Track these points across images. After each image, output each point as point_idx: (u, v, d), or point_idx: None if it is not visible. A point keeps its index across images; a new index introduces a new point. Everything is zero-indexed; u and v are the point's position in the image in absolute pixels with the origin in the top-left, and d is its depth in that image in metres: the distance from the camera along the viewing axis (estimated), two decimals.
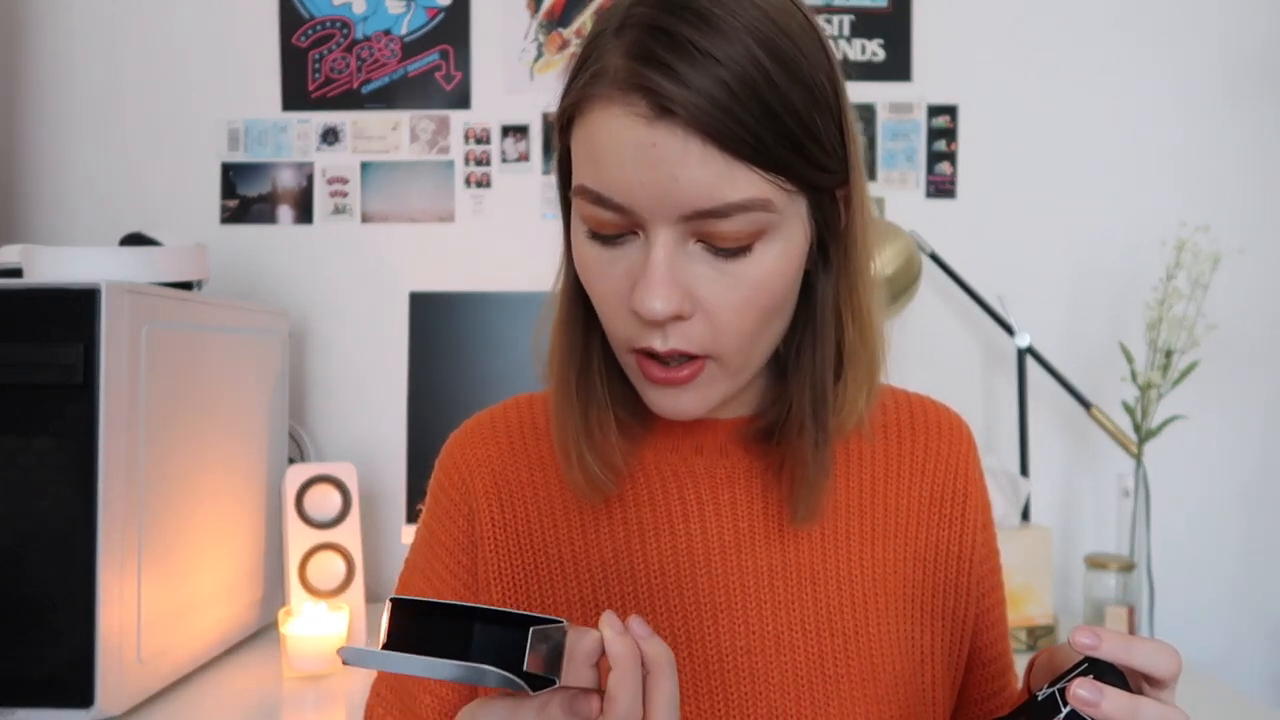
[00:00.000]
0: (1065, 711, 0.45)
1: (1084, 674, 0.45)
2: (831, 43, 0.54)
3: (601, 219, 0.51)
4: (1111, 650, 0.45)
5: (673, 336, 0.52)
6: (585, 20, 1.63)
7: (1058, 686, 0.46)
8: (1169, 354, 1.41)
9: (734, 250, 0.50)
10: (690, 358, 0.53)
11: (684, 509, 0.61)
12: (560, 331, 0.60)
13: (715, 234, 0.49)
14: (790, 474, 0.59)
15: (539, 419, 0.66)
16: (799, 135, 0.49)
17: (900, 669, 0.59)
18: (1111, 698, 0.43)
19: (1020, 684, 0.61)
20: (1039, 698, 0.47)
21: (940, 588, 0.62)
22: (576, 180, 0.52)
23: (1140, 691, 0.46)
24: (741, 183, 0.48)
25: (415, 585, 0.66)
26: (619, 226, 0.51)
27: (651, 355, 0.53)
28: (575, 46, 1.63)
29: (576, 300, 0.59)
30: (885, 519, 0.62)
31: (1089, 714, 0.44)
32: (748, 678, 0.58)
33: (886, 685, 0.58)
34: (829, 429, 0.58)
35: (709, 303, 0.51)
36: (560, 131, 0.54)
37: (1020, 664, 0.72)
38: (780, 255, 0.51)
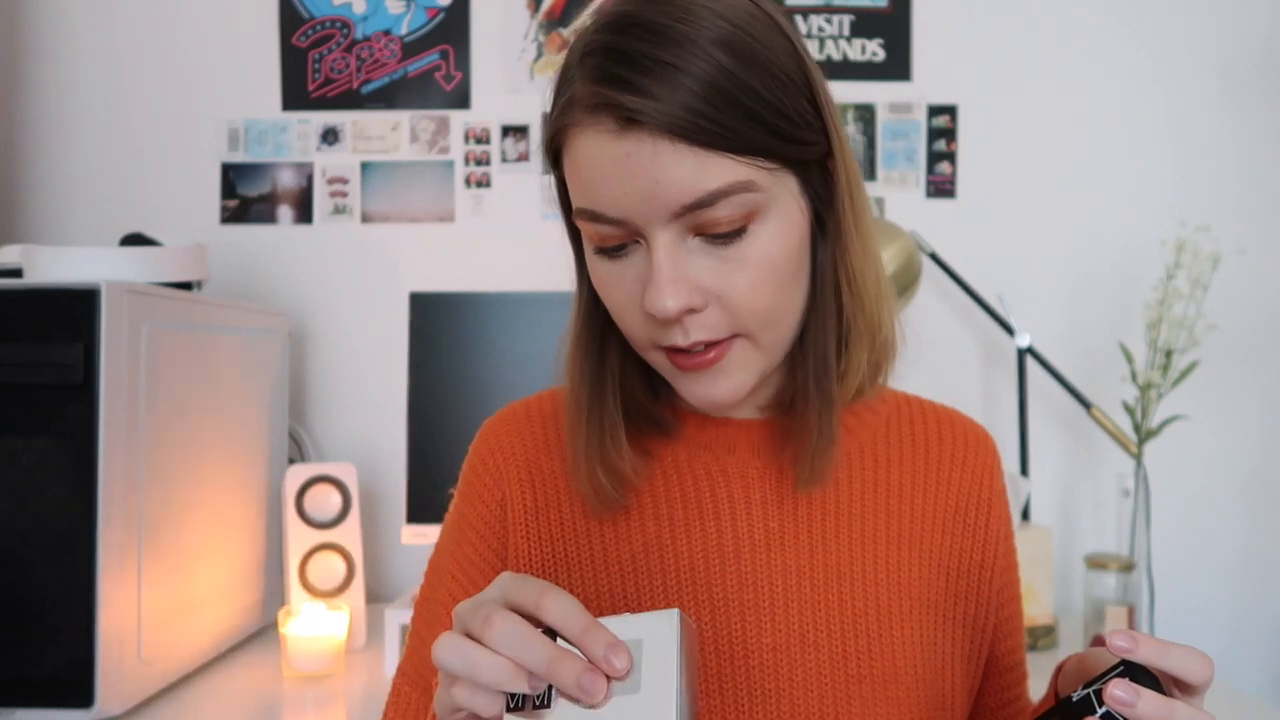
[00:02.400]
0: (1101, 712, 0.45)
1: (1119, 676, 0.46)
2: (789, 23, 0.56)
3: (603, 234, 0.54)
4: (1147, 654, 0.45)
5: (693, 329, 0.54)
6: (585, 21, 1.63)
7: (1093, 688, 0.47)
8: (1169, 354, 1.40)
9: (729, 235, 0.52)
10: (715, 341, 0.55)
11: (715, 506, 0.62)
12: (574, 350, 0.62)
13: (708, 224, 0.51)
14: (795, 440, 0.61)
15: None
16: (765, 115, 0.51)
17: (921, 672, 0.60)
18: (1147, 699, 0.44)
19: (1048, 688, 0.61)
20: (1074, 699, 0.48)
21: (962, 595, 0.63)
22: (574, 204, 0.55)
23: (1170, 696, 0.46)
24: (718, 171, 0.50)
25: (444, 568, 0.67)
26: (620, 238, 0.54)
27: (677, 349, 0.55)
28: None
29: (591, 318, 0.62)
30: (911, 525, 0.63)
31: (1125, 714, 0.44)
32: (772, 674, 0.58)
33: (908, 688, 0.59)
34: (832, 396, 0.59)
35: (718, 290, 0.53)
36: (553, 164, 0.58)
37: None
38: (776, 232, 0.53)
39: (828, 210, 0.57)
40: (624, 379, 0.62)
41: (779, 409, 0.64)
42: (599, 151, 0.51)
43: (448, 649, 0.44)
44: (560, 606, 0.44)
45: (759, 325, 0.55)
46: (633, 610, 0.61)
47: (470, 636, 0.44)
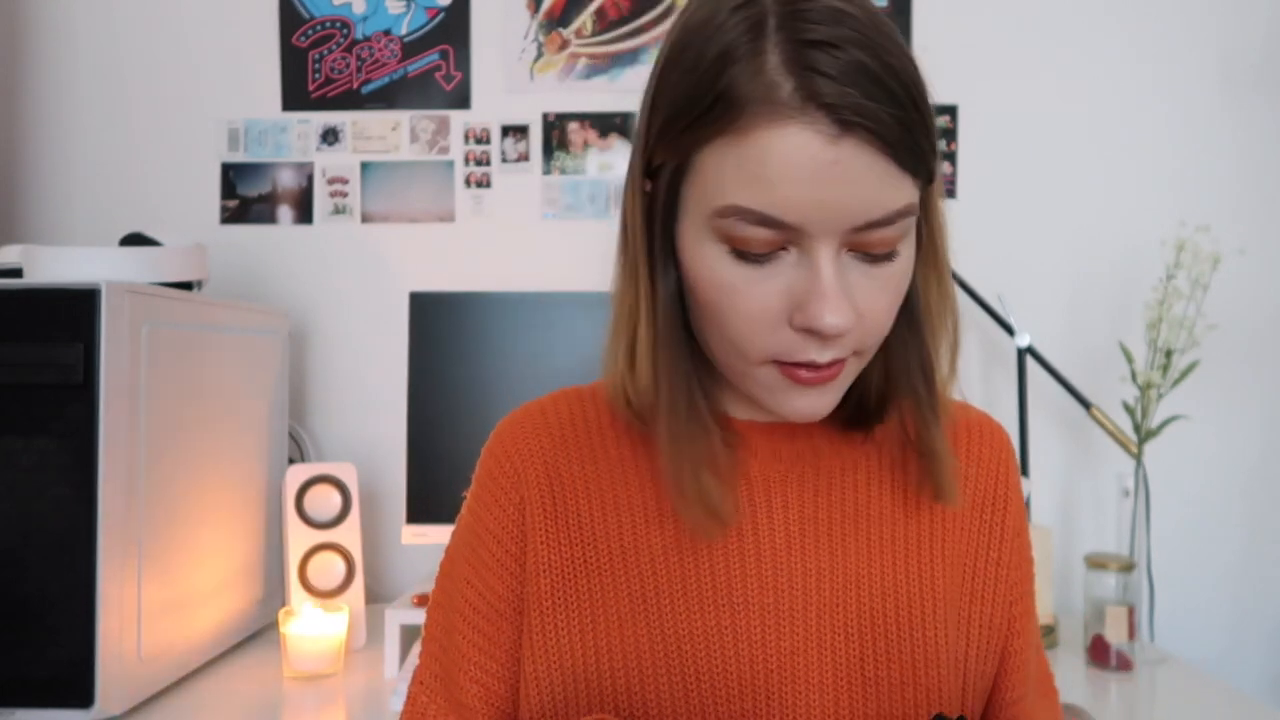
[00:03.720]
0: None
1: None
2: None
3: (756, 238, 0.50)
4: None
5: (833, 347, 0.53)
6: (585, 20, 1.63)
7: None
8: (1169, 354, 1.40)
9: (884, 256, 0.52)
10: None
11: (753, 511, 0.61)
12: (665, 362, 0.58)
13: (871, 242, 0.50)
14: (915, 452, 0.61)
15: (589, 412, 0.65)
16: (935, 138, 0.51)
17: (938, 676, 0.60)
18: None
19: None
20: None
21: (979, 594, 0.63)
22: (724, 201, 0.50)
23: None
24: (904, 190, 0.50)
25: (459, 574, 0.65)
26: (772, 244, 0.51)
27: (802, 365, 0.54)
28: (579, 73, 1.63)
29: (676, 322, 0.58)
30: (931, 526, 0.63)
31: None
32: (789, 678, 0.58)
33: (924, 690, 0.59)
34: (940, 404, 0.60)
35: (864, 307, 0.52)
36: (677, 161, 0.53)
37: None
38: (911, 254, 0.54)
39: (925, 223, 0.57)
40: (704, 390, 0.59)
41: (843, 410, 0.62)
42: (801, 152, 0.47)
43: None
44: None
45: (874, 343, 0.55)
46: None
47: None
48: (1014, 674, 0.64)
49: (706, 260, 0.53)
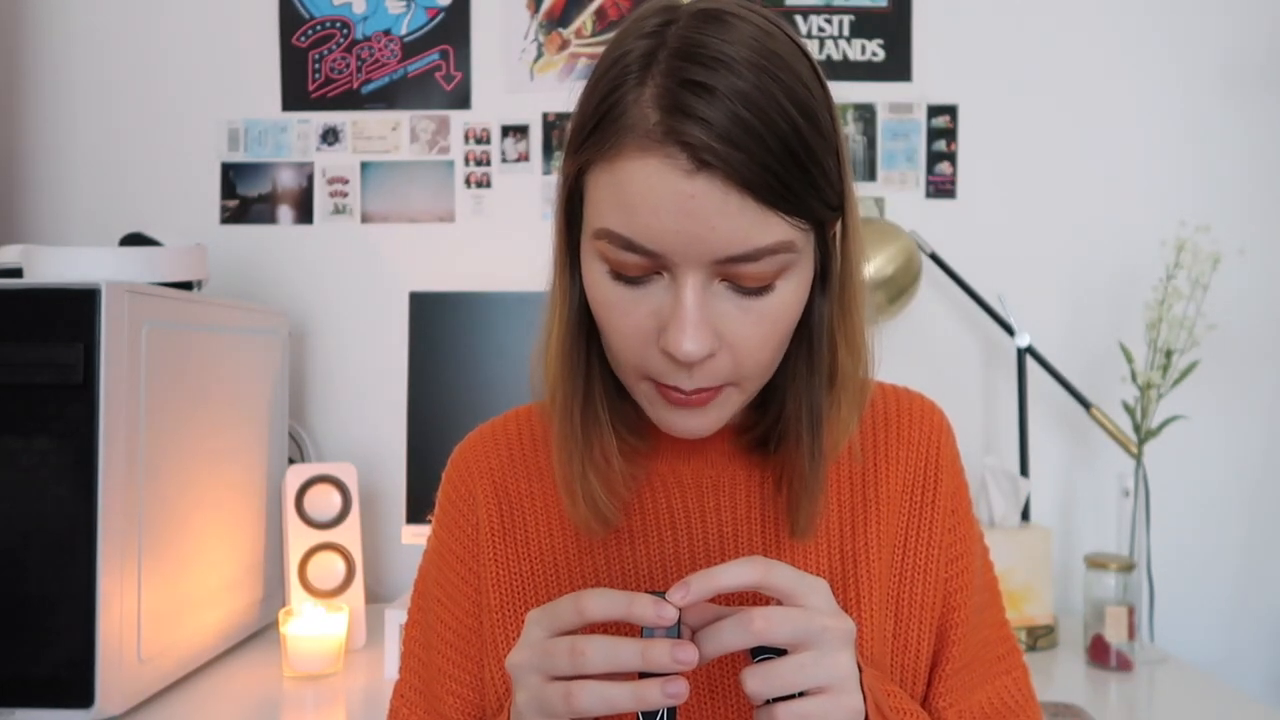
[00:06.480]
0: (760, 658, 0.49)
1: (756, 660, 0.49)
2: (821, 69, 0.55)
3: (627, 262, 0.52)
4: (699, 590, 0.47)
5: (698, 375, 0.53)
6: (585, 20, 1.63)
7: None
8: (1169, 354, 1.40)
9: (758, 289, 0.52)
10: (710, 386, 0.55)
11: (670, 517, 0.63)
12: (561, 367, 0.60)
13: (741, 275, 0.51)
14: (788, 488, 0.61)
15: (536, 429, 0.68)
16: (819, 181, 0.51)
17: (867, 657, 0.60)
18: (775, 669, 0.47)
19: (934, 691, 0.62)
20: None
21: (909, 574, 0.63)
22: (599, 224, 0.52)
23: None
24: (772, 228, 0.50)
25: (431, 593, 0.69)
26: (644, 268, 0.52)
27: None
28: (579, 73, 1.63)
29: (579, 332, 0.60)
30: (865, 513, 0.64)
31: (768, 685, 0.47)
32: (729, 669, 0.60)
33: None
34: (824, 446, 0.60)
35: (733, 338, 0.53)
36: (574, 175, 0.55)
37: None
38: (796, 289, 0.54)
39: (830, 264, 0.57)
40: (606, 393, 0.61)
41: (749, 423, 0.64)
42: (660, 184, 0.48)
43: (589, 696, 0.46)
44: (597, 600, 0.47)
45: (755, 374, 0.55)
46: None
47: (560, 676, 0.47)
48: (952, 648, 0.64)
49: (592, 276, 0.55)
